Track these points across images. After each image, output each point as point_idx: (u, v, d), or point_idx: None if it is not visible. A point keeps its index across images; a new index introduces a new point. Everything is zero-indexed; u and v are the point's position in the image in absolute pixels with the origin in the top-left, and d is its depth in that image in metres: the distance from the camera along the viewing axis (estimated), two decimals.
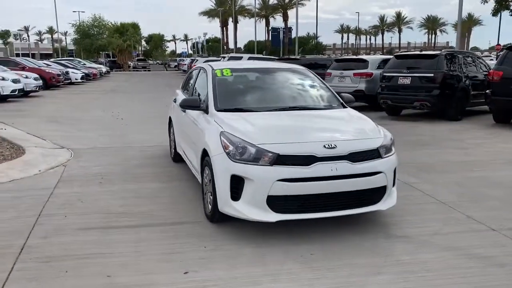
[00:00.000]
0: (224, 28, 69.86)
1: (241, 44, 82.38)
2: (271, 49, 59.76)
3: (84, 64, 36.29)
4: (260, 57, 22.54)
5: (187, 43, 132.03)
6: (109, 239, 3.76)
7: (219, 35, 73.95)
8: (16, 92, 15.91)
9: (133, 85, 26.69)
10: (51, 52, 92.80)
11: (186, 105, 4.68)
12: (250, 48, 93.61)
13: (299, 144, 3.70)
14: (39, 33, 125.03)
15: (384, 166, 3.85)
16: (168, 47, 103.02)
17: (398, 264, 3.33)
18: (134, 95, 19.67)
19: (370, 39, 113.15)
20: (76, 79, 27.48)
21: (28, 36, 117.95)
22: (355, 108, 5.04)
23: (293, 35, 49.96)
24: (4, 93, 15.39)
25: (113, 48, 59.25)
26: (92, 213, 4.38)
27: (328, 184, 3.60)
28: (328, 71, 14.34)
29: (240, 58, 20.87)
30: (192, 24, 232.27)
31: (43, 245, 3.63)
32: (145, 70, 59.75)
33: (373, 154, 3.84)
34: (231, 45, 70.52)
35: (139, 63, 66.07)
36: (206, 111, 4.54)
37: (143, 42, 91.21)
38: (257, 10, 67.05)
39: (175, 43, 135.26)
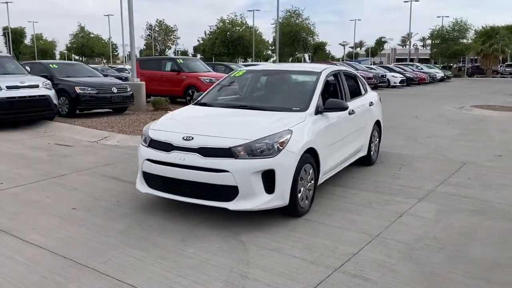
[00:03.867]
0: None
1: None
2: None
3: (421, 68, 36.91)
4: None
5: None
6: (90, 181, 5.51)
7: None
8: None
9: (460, 91, 25.57)
10: (428, 57, 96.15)
11: (193, 99, 5.72)
12: None
13: (166, 132, 4.30)
14: (423, 39, 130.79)
15: (234, 167, 3.87)
16: None
17: (164, 250, 3.59)
18: (435, 100, 19.41)
19: None
20: (395, 83, 28.79)
21: (410, 42, 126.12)
22: None
23: None
24: None
25: (477, 52, 56.11)
26: (126, 168, 6.17)
27: (178, 171, 4.07)
28: None
29: None
30: None
31: (66, 176, 5.75)
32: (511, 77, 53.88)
33: (224, 152, 3.93)
34: None
35: (507, 69, 59.78)
36: None
37: None
38: None
39: None
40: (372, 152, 6.53)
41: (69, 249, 3.58)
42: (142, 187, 4.44)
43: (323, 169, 4.77)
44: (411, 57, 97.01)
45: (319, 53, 76.71)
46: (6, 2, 55.46)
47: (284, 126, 4.23)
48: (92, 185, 5.38)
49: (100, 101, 11.10)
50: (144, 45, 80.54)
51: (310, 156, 4.43)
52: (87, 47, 67.52)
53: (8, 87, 9.18)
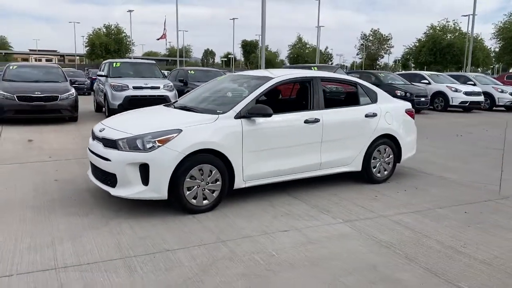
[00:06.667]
0: None
1: None
2: None
3: None
4: None
5: None
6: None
7: None
8: (458, 103, 16.81)
9: None
10: None
11: None
12: None
13: (99, 124, 5.08)
14: None
15: (114, 157, 4.40)
16: None
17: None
18: None
19: None
20: None
21: None
22: None
23: None
24: (453, 103, 16.80)
25: None
26: None
27: (94, 157, 4.85)
28: None
29: None
30: None
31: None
32: None
33: (112, 144, 4.50)
34: None
35: None
36: None
37: None
38: None
39: None
40: (374, 169, 5.90)
41: None
42: (88, 171, 5.34)
43: (244, 174, 4.79)
44: None
45: None
46: (233, 19, 64.11)
47: (178, 125, 4.51)
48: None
49: None
50: (357, 54, 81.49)
51: (215, 158, 4.57)
52: (302, 57, 72.30)
53: (134, 87, 11.36)
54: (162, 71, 13.54)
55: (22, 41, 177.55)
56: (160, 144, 4.34)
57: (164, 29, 56.30)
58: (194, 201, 4.52)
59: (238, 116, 4.77)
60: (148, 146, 4.34)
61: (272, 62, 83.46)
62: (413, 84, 16.81)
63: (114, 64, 12.59)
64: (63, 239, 3.87)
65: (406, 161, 7.05)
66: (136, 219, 4.39)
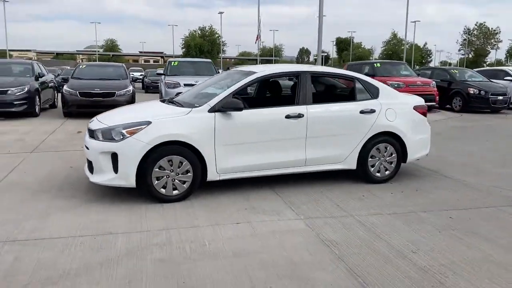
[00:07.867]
0: None
1: None
2: None
3: None
4: None
5: None
6: None
7: None
8: None
9: None
10: None
11: None
12: None
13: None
14: None
15: (91, 145, 4.78)
16: None
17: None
18: None
19: None
20: None
21: None
22: None
23: None
24: None
25: None
26: None
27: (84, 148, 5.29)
28: None
29: None
30: None
31: None
32: None
33: (91, 134, 4.87)
34: None
35: None
36: None
37: None
38: None
39: None
40: (373, 169, 5.62)
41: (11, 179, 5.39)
42: (85, 165, 5.76)
43: (218, 167, 4.88)
44: None
45: None
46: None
47: (149, 117, 4.74)
48: None
49: None
50: (459, 50, 75.75)
51: (185, 149, 4.72)
52: (397, 53, 69.13)
53: (185, 85, 11.91)
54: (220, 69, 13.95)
55: (130, 43, 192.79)
56: (129, 135, 4.59)
57: (259, 30, 57.29)
58: (163, 190, 4.71)
59: (212, 110, 4.85)
60: (119, 136, 4.62)
61: (365, 59, 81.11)
62: (491, 81, 15.33)
63: (173, 63, 13.31)
64: (33, 217, 4.29)
65: (428, 162, 6.65)
66: (109, 204, 4.68)
